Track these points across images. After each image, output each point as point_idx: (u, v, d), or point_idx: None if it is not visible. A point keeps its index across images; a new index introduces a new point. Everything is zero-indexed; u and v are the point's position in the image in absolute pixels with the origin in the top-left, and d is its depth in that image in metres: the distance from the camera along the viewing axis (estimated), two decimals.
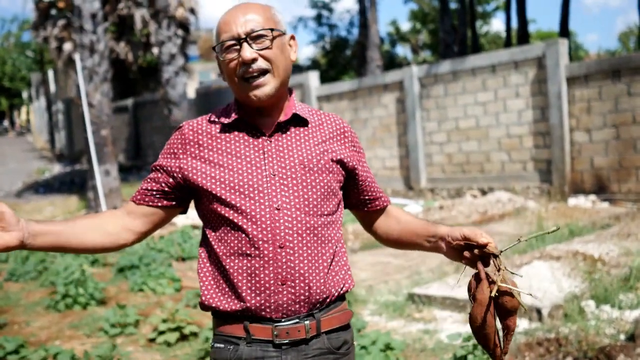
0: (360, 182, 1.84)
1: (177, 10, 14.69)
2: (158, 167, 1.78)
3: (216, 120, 1.77)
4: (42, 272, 7.46)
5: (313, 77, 14.26)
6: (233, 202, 1.67)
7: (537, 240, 7.04)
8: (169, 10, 14.48)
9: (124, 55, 19.75)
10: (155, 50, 18.85)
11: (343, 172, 1.78)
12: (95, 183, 11.68)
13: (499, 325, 1.64)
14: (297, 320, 1.68)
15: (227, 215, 1.68)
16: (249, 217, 1.66)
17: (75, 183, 18.57)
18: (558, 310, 4.60)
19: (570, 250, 5.90)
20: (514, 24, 24.52)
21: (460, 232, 1.74)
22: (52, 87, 34.09)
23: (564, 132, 10.02)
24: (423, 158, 12.23)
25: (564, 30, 20.08)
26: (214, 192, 1.68)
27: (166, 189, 1.76)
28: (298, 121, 1.76)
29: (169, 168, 1.75)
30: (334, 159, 1.75)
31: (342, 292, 1.76)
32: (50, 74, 34.23)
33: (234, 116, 1.73)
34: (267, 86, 1.67)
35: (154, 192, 1.77)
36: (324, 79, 18.45)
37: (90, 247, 1.73)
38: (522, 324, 4.54)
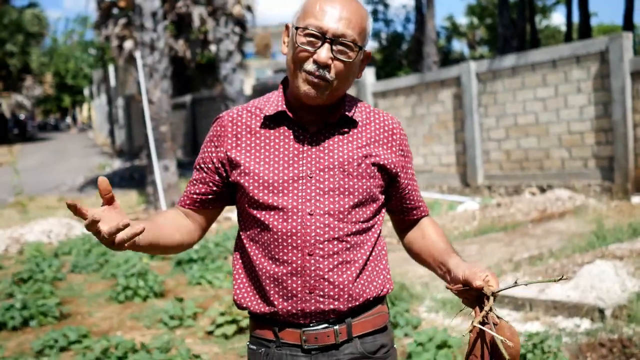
0: (401, 190, 1.75)
1: (234, 7, 14.84)
2: (202, 166, 1.70)
3: (258, 111, 1.68)
4: (103, 265, 7.66)
5: (369, 73, 14.21)
6: (264, 202, 1.60)
7: (598, 239, 6.87)
8: (226, 8, 14.65)
9: (183, 53, 20.10)
10: (212, 47, 19.14)
11: (385, 178, 1.69)
12: (155, 178, 11.92)
13: None
14: (327, 325, 1.62)
15: (258, 215, 1.62)
16: (280, 220, 1.60)
17: (134, 178, 18.99)
18: (622, 310, 4.48)
19: (634, 249, 5.73)
20: (575, 17, 23.97)
21: (462, 272, 1.56)
22: (113, 84, 34.91)
23: (627, 129, 9.73)
24: (480, 154, 12.06)
25: (628, 24, 19.51)
26: (246, 188, 1.62)
27: (214, 188, 1.69)
28: (346, 122, 1.67)
29: (212, 163, 1.68)
30: (376, 163, 1.66)
31: (377, 297, 1.68)
32: (111, 71, 35.07)
33: (278, 107, 1.64)
34: (322, 90, 1.57)
35: (202, 196, 1.71)
36: (380, 74, 18.37)
37: (176, 245, 1.68)
38: (584, 324, 4.44)
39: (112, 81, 35.16)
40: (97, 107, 45.13)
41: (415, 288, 5.71)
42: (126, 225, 1.35)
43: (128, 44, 18.18)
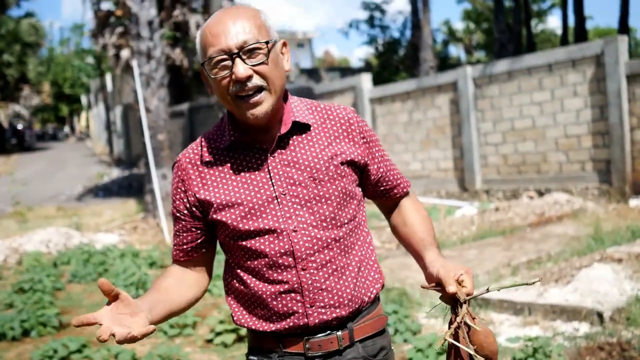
0: (375, 176, 1.73)
1: None
2: (178, 215, 1.69)
3: (211, 144, 1.65)
4: (102, 274, 7.65)
5: (366, 79, 14.23)
6: (247, 231, 1.59)
7: (596, 243, 6.88)
8: None
9: (180, 61, 20.11)
10: None
11: (356, 171, 1.68)
12: (153, 187, 11.91)
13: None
14: (329, 331, 1.63)
15: (244, 244, 1.61)
16: (266, 243, 1.59)
17: (133, 187, 18.98)
18: (620, 314, 4.49)
19: (632, 252, 5.74)
20: (571, 21, 24.03)
21: (437, 271, 1.54)
22: (110, 93, 34.93)
23: (624, 132, 9.75)
24: (478, 159, 12.08)
25: (624, 27, 19.59)
26: (225, 222, 1.61)
27: (199, 232, 1.68)
28: (300, 128, 1.64)
29: (187, 209, 1.66)
30: (344, 161, 1.64)
31: (373, 295, 1.70)
32: (108, 79, 35.09)
33: (229, 138, 1.62)
34: (264, 104, 1.53)
35: (192, 244, 1.70)
36: (376, 80, 18.34)
37: (190, 302, 1.70)
38: (582, 327, 4.45)
39: (110, 90, 35.18)
40: (95, 116, 45.13)
41: (414, 294, 5.72)
42: (134, 338, 1.40)
43: (125, 53, 18.19)
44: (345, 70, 31.61)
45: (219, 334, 4.88)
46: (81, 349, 4.71)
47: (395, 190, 1.80)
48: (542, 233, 8.09)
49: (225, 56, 1.52)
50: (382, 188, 1.77)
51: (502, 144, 11.71)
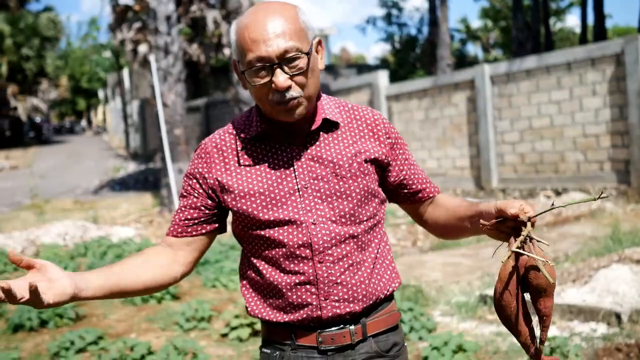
0: (396, 177, 1.73)
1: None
2: (190, 192, 1.67)
3: (239, 132, 1.66)
4: None
5: (382, 76, 14.19)
6: (266, 221, 1.60)
7: (614, 243, 6.82)
8: (241, 12, 14.70)
9: (197, 57, 20.16)
10: (226, 51, 19.19)
11: (379, 171, 1.69)
12: (169, 181, 11.96)
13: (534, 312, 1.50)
14: (342, 325, 1.63)
15: (262, 233, 1.62)
16: (285, 234, 1.59)
17: (149, 181, 19.08)
18: (639, 315, 4.44)
19: None
20: (590, 20, 23.83)
21: (495, 205, 1.53)
22: (127, 88, 35.11)
23: None
24: (495, 158, 12.02)
25: None
26: (245, 212, 1.61)
27: (206, 211, 1.67)
28: (328, 125, 1.65)
29: (203, 189, 1.65)
30: (368, 159, 1.65)
31: (388, 293, 1.70)
32: (125, 74, 35.27)
33: (257, 129, 1.63)
34: (299, 109, 1.55)
35: (194, 220, 1.68)
36: (393, 77, 18.34)
37: (148, 284, 1.64)
38: (600, 328, 4.41)
39: (127, 84, 35.36)
40: (112, 110, 45.42)
41: (429, 292, 5.70)
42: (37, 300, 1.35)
43: (142, 48, 18.28)
44: (362, 67, 31.54)
45: (234, 328, 4.89)
46: (97, 340, 4.74)
47: (420, 195, 1.78)
48: (560, 233, 8.03)
49: (265, 64, 1.51)
50: (405, 191, 1.77)
51: (520, 143, 11.64)
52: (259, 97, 1.57)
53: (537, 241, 1.45)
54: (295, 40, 1.51)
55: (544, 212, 1.54)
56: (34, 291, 1.33)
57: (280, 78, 1.50)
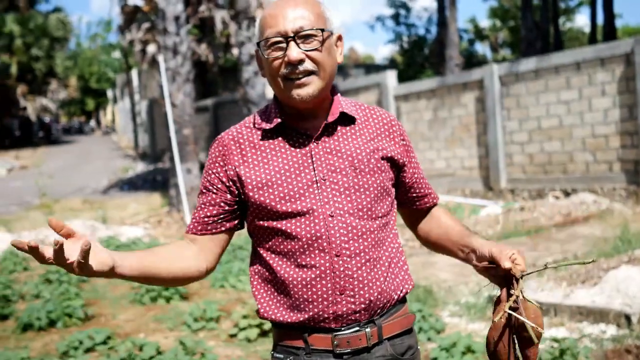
0: (409, 179, 1.76)
1: (256, 11, 14.89)
2: (210, 188, 1.67)
3: (257, 125, 1.67)
4: None
5: (391, 76, 14.17)
6: (284, 212, 1.59)
7: (623, 244, 6.79)
8: (249, 12, 14.71)
9: (205, 57, 20.21)
10: (235, 51, 19.19)
11: (394, 170, 1.71)
12: (177, 181, 11.99)
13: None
14: (358, 328, 1.61)
15: (278, 226, 1.61)
16: (302, 226, 1.59)
17: (157, 181, 19.12)
18: None
19: None
20: (600, 19, 23.74)
21: (489, 250, 1.61)
22: (136, 88, 35.20)
23: None
24: (503, 158, 11.98)
25: None
26: (263, 203, 1.60)
27: (226, 207, 1.66)
28: (345, 120, 1.67)
29: (222, 183, 1.65)
30: (385, 156, 1.67)
31: (402, 294, 1.69)
32: (134, 74, 35.36)
33: (276, 120, 1.64)
34: (310, 86, 1.57)
35: (214, 217, 1.67)
36: (402, 77, 18.28)
37: (177, 273, 1.63)
38: (609, 330, 4.39)
39: (136, 84, 35.44)
40: (121, 110, 45.52)
41: (438, 292, 5.69)
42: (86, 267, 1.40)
43: (151, 48, 18.32)
44: (370, 67, 31.51)
45: (242, 329, 4.89)
46: (106, 340, 4.76)
47: (426, 199, 1.83)
48: (568, 233, 8.00)
49: (280, 38, 1.56)
50: (414, 194, 1.80)
51: (528, 143, 11.60)
52: (272, 74, 1.60)
53: (528, 301, 1.52)
54: (312, 20, 1.57)
55: (535, 271, 1.62)
56: (84, 252, 1.35)
57: (294, 51, 1.55)
